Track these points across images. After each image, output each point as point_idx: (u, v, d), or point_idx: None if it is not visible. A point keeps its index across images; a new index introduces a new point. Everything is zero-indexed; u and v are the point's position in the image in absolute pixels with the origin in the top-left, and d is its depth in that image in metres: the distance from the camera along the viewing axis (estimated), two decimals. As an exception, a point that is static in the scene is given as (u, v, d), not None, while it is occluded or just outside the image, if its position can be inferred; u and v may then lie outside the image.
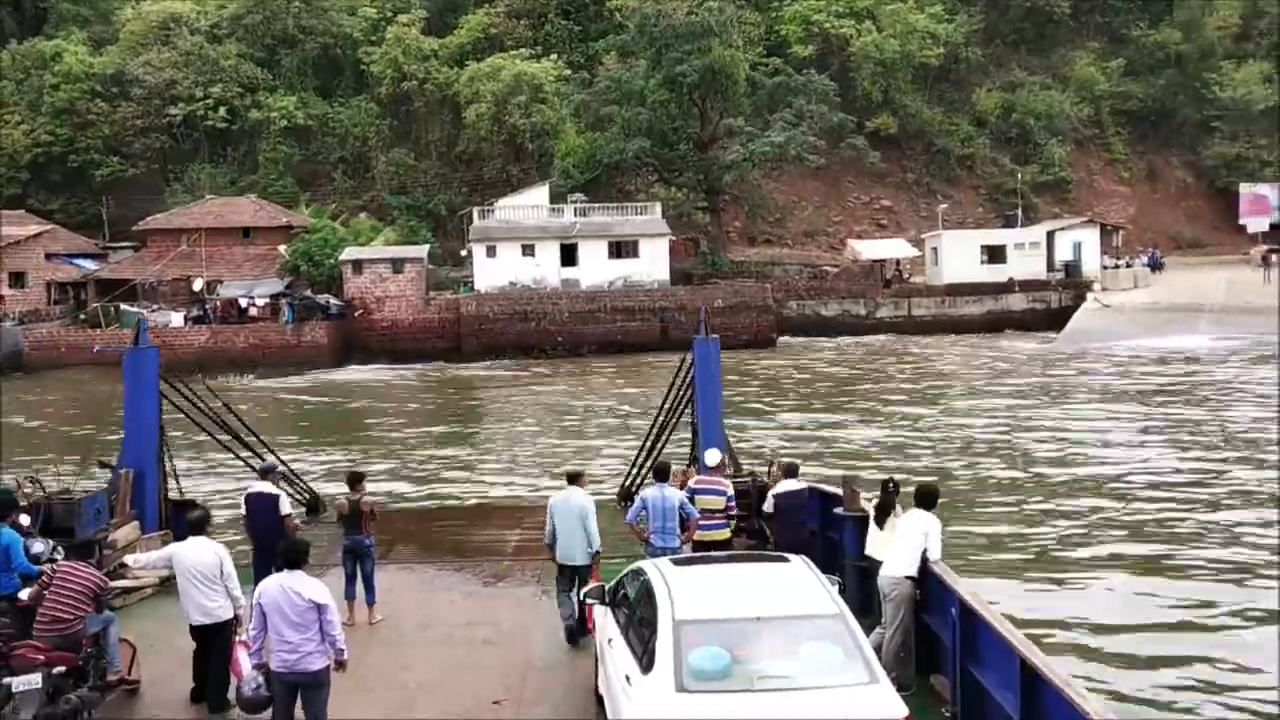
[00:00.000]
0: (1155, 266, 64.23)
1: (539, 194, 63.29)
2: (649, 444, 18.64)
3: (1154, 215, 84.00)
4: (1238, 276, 61.08)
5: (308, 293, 56.08)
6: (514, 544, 16.67)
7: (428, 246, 60.95)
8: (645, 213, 61.67)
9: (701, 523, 12.59)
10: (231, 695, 9.69)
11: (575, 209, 61.23)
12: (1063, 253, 62.73)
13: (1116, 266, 62.39)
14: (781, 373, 47.12)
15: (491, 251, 58.05)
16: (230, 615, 9.88)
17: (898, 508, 11.08)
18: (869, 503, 11.86)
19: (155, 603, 13.48)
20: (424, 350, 54.13)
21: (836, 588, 8.48)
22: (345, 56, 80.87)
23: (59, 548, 11.84)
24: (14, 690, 8.78)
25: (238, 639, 9.69)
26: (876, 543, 11.13)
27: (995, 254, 62.36)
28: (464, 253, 60.88)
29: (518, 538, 16.92)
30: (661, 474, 12.91)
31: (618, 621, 8.99)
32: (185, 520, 11.33)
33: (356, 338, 54.96)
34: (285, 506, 13.01)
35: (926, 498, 10.56)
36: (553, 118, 68.67)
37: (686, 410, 18.01)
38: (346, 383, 48.29)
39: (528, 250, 58.26)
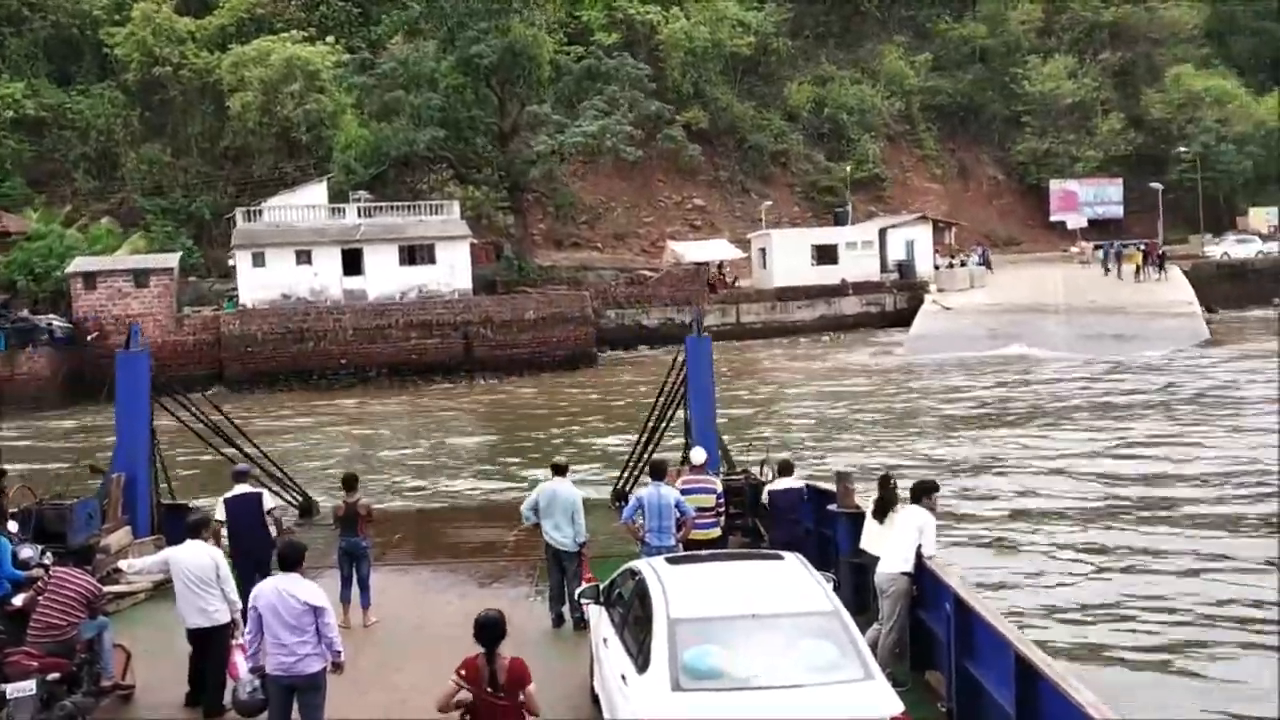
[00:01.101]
0: (983, 265, 61.16)
1: (316, 192, 54.52)
2: (641, 443, 18.45)
3: (967, 213, 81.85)
4: (1071, 274, 58.74)
5: (25, 313, 45.82)
6: (509, 544, 16.49)
7: (179, 255, 51.49)
8: (442, 212, 54.09)
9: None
10: (227, 699, 9.48)
11: (359, 209, 52.98)
12: (895, 251, 58.68)
13: (951, 265, 58.79)
14: (614, 397, 40.54)
15: (259, 259, 49.09)
16: (227, 619, 9.70)
17: (898, 504, 10.86)
18: (864, 499, 11.75)
19: (149, 607, 13.43)
20: (178, 380, 44.49)
21: (831, 585, 8.37)
22: (85, 38, 69.51)
23: (47, 553, 11.63)
24: (8, 697, 8.73)
25: (234, 642, 9.51)
26: (873, 538, 10.92)
27: (827, 254, 57.77)
28: (232, 262, 51.72)
29: (513, 538, 16.57)
30: (658, 472, 12.70)
31: (613, 621, 8.90)
32: (184, 524, 10.56)
33: (92, 369, 43.94)
34: (268, 502, 12.93)
35: (922, 492, 10.50)
36: (331, 106, 60.06)
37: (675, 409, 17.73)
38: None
39: (303, 257, 49.47)
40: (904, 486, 11.36)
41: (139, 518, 15.20)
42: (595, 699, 9.39)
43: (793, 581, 8.29)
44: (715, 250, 60.94)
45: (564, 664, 10.90)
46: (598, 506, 17.08)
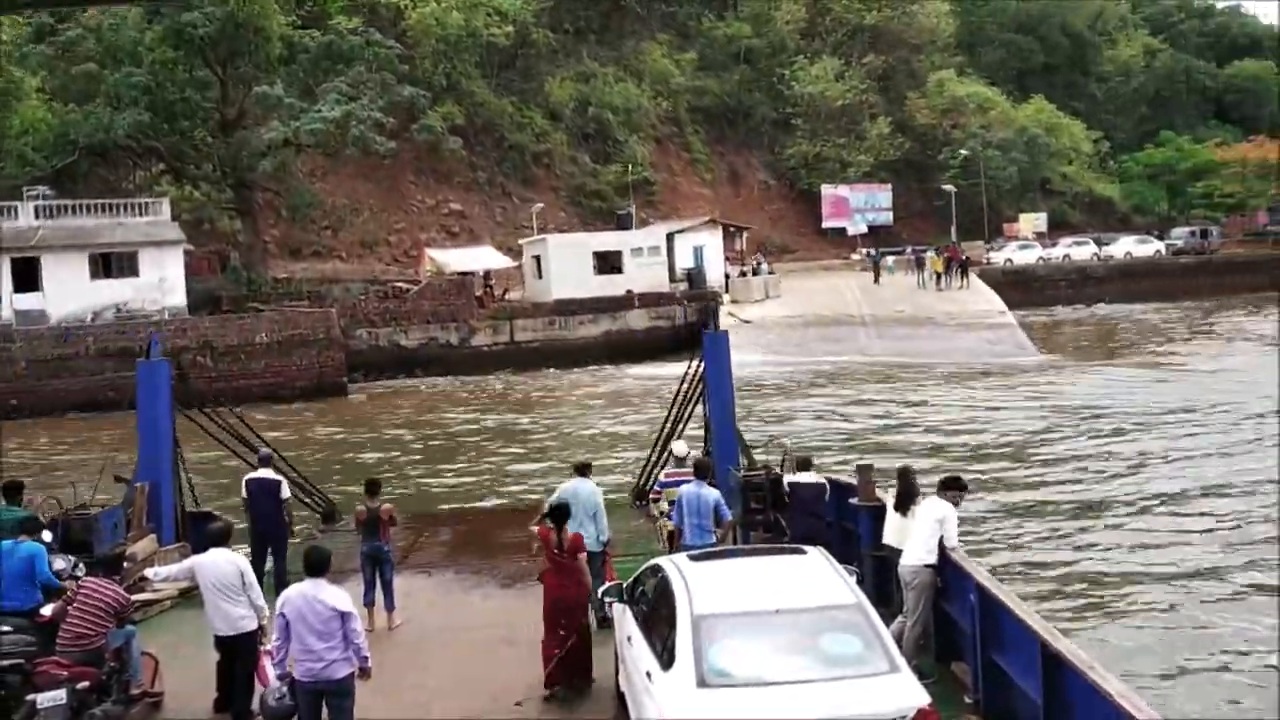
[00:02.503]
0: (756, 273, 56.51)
1: (-22, 189, 43.52)
2: (660, 442, 18.08)
3: (739, 219, 77.67)
4: (865, 282, 54.98)
5: None
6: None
7: None
8: (148, 213, 44.19)
9: (674, 514, 12.60)
10: (255, 705, 9.49)
11: (37, 208, 42.36)
12: (684, 259, 52.92)
13: (743, 274, 53.67)
14: (363, 430, 32.41)
15: (-105, 272, 38.06)
16: (254, 625, 9.75)
17: (919, 496, 10.76)
18: (885, 492, 11.78)
19: (175, 615, 13.43)
20: None
21: (854, 578, 8.28)
22: None
23: (79, 564, 11.64)
24: (39, 706, 8.78)
25: (262, 649, 9.64)
26: (894, 531, 10.80)
27: (610, 262, 51.31)
28: None
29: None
30: (701, 471, 12.57)
31: (636, 619, 8.78)
32: (207, 532, 10.63)
33: None
34: (285, 491, 13.92)
35: (948, 485, 10.39)
36: (2, 84, 48.63)
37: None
38: None
39: (-43, 269, 38.84)
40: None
41: (164, 526, 15.29)
42: (621, 697, 9.31)
43: (816, 576, 8.20)
44: (482, 259, 53.40)
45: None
46: (618, 506, 17.60)
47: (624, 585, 9.64)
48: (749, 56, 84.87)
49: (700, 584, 7.98)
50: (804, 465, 13.29)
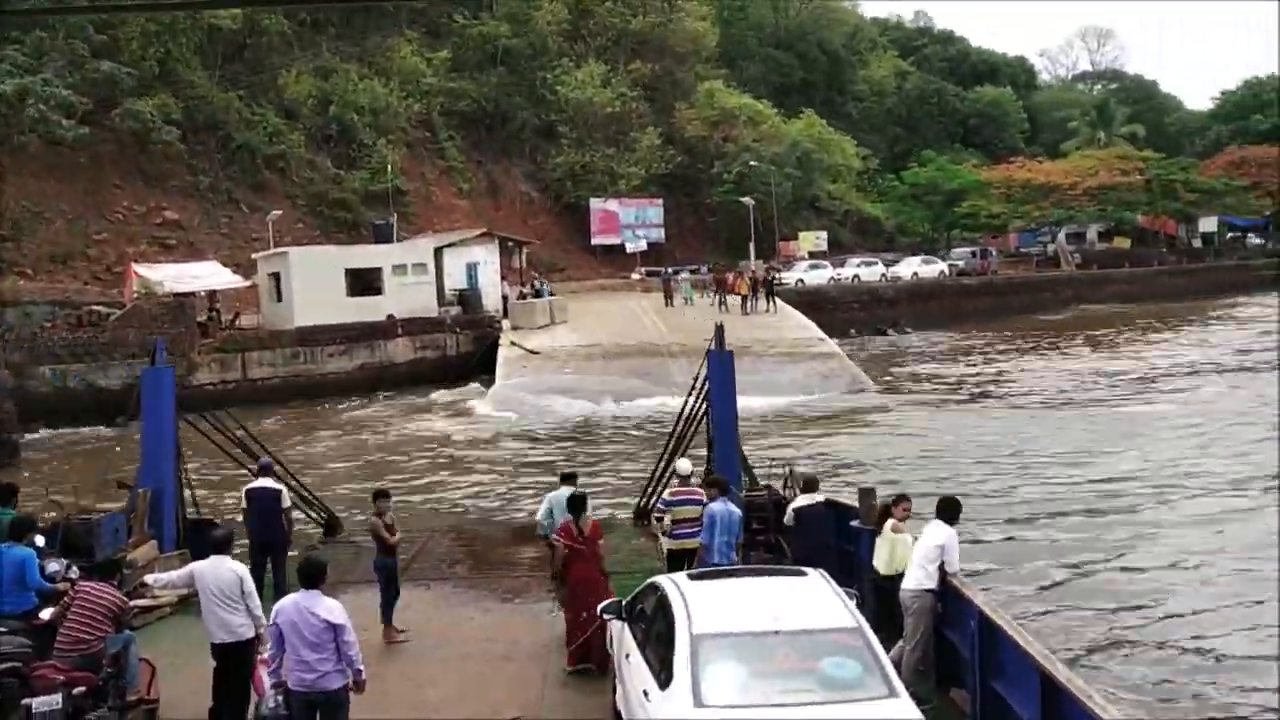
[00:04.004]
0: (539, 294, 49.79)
1: None
2: (665, 460, 17.87)
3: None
4: (656, 305, 49.38)
5: None
6: (529, 559, 16.30)
7: None
8: None
9: (675, 531, 12.96)
10: (250, 715, 9.54)
11: None
12: (456, 278, 45.23)
13: (523, 295, 46.59)
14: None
15: None
16: (252, 634, 9.71)
17: (888, 519, 10.80)
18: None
19: (174, 622, 13.38)
20: None
21: (854, 601, 8.30)
22: None
23: (73, 566, 11.60)
24: (34, 710, 8.68)
25: (259, 658, 9.54)
26: (876, 555, 10.86)
27: (367, 281, 42.94)
28: None
29: (532, 553, 16.30)
30: (722, 488, 12.79)
31: (635, 636, 8.84)
32: (209, 539, 10.67)
33: None
34: (285, 500, 14.14)
35: (946, 509, 10.31)
36: None
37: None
38: None
39: None
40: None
41: (165, 532, 15.24)
42: (617, 715, 9.14)
43: (816, 597, 8.18)
44: (205, 277, 43.73)
45: (586, 680, 10.83)
46: (621, 526, 18.44)
47: (623, 603, 9.58)
48: (508, 58, 78.07)
49: (700, 603, 7.96)
50: (809, 486, 13.27)
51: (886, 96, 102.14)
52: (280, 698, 8.54)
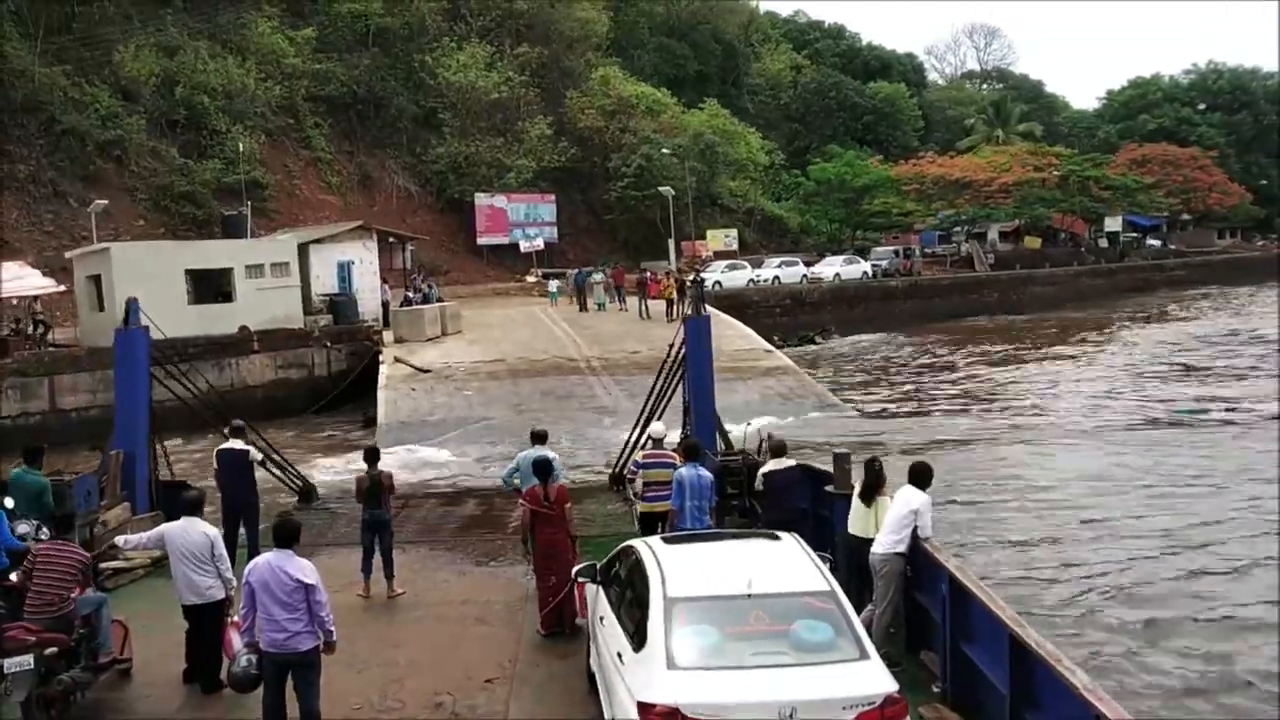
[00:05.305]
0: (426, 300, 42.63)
1: None
2: (641, 425, 17.72)
3: (375, 233, 63.05)
4: (569, 312, 43.01)
5: None
6: (506, 524, 16.21)
7: None
8: None
9: (646, 494, 12.88)
10: (223, 675, 9.47)
11: None
12: (326, 281, 37.60)
13: (408, 301, 39.20)
14: None
15: None
16: (222, 595, 9.73)
17: (884, 487, 10.72)
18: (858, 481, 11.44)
19: (147, 584, 13.28)
20: None
21: (827, 565, 8.27)
22: None
23: (44, 528, 11.44)
24: (6, 671, 8.66)
25: (230, 619, 9.47)
26: (859, 520, 10.79)
27: (215, 285, 34.93)
28: None
29: (510, 517, 16.18)
30: (693, 453, 12.42)
31: (609, 599, 8.79)
32: (181, 500, 10.54)
33: None
34: (255, 455, 14.51)
35: (919, 476, 10.29)
36: None
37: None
38: None
39: None
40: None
41: (138, 494, 15.06)
42: (591, 677, 9.15)
43: (789, 561, 8.18)
44: (8, 280, 35.09)
45: (560, 642, 10.79)
46: (596, 489, 18.72)
47: (598, 566, 9.54)
48: (381, 38, 70.36)
49: (673, 567, 7.94)
50: (778, 451, 12.99)
51: (782, 90, 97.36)
52: (253, 657, 8.51)
